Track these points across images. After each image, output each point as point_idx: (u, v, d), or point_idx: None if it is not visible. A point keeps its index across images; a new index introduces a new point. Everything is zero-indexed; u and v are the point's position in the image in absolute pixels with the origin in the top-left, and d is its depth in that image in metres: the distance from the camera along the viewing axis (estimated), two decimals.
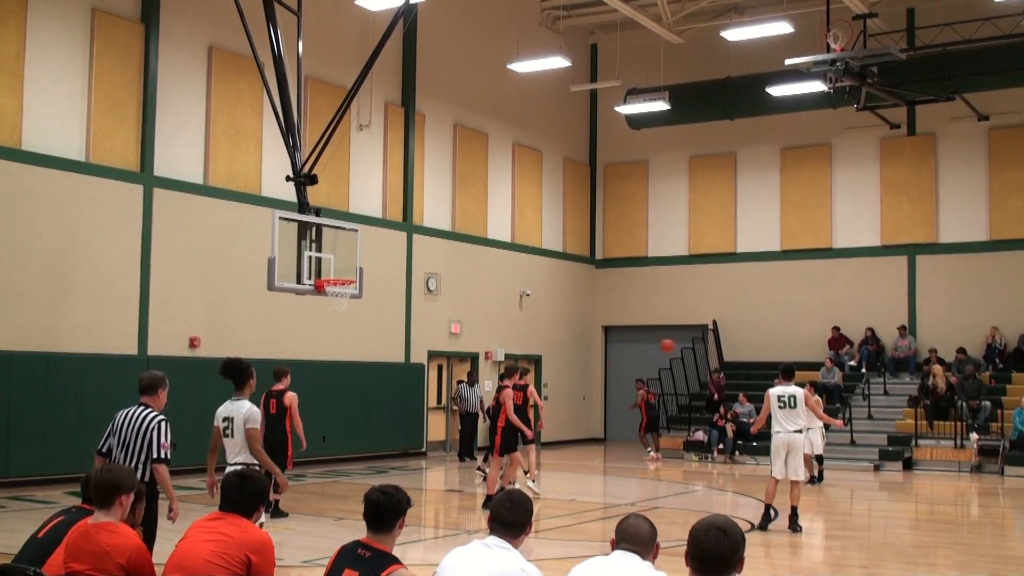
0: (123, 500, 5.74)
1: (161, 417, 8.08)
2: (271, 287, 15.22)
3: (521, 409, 15.88)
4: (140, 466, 7.89)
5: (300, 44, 16.94)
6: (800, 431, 13.90)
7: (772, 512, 13.83)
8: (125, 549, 5.46)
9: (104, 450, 8.26)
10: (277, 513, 13.93)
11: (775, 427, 13.82)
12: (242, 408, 9.55)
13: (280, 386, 14.18)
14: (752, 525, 14.04)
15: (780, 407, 13.74)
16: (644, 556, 4.60)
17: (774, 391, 13.82)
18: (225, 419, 9.63)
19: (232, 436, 9.57)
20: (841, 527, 15.59)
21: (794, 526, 13.63)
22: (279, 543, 5.85)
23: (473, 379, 23.75)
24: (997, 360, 25.26)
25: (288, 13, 16.72)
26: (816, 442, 19.72)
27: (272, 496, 13.73)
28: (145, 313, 18.87)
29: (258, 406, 9.92)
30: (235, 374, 9.62)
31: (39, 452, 17.07)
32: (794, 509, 13.72)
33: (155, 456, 7.91)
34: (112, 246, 18.43)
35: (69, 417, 17.34)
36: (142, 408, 8.13)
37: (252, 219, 19.99)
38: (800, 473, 13.88)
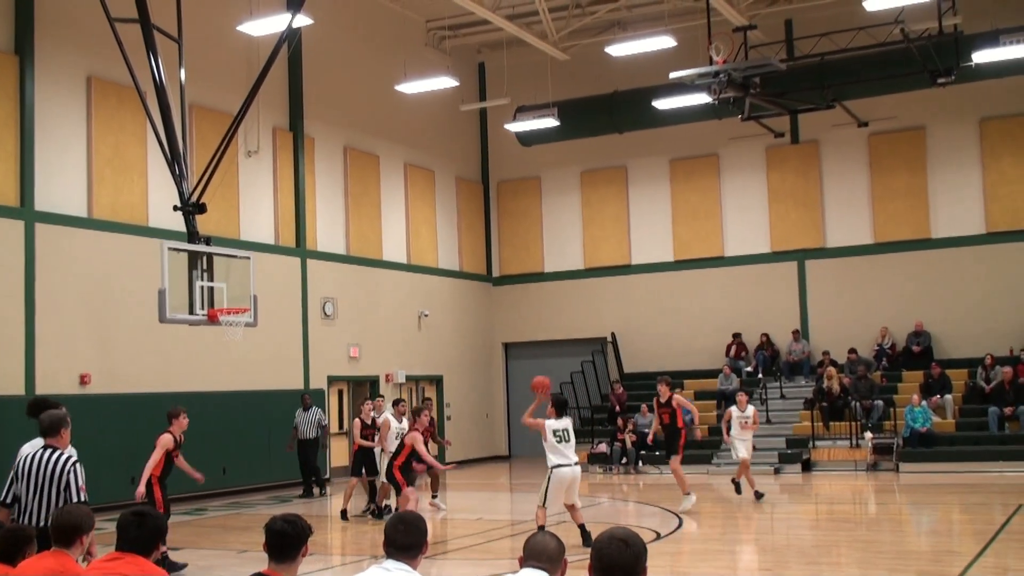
0: (83, 539, 5.85)
1: (75, 459, 7.80)
2: (163, 319, 14.91)
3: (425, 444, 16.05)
4: (51, 511, 7.55)
5: (182, 71, 16.67)
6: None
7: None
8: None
9: (8, 500, 7.89)
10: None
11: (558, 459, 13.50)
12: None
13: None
14: (657, 534, 14.13)
15: (557, 440, 13.49)
16: (552, 572, 4.57)
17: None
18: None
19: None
20: (745, 531, 15.79)
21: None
22: None
23: (308, 403, 21.55)
24: (886, 360, 25.90)
25: (169, 40, 16.44)
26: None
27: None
28: (31, 352, 18.30)
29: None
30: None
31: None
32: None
33: (75, 500, 7.61)
34: None
35: None
36: (50, 451, 7.82)
37: (140, 250, 19.55)
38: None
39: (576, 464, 13.50)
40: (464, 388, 29.85)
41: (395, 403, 17.61)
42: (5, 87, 18.36)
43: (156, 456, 12.57)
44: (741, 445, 18.34)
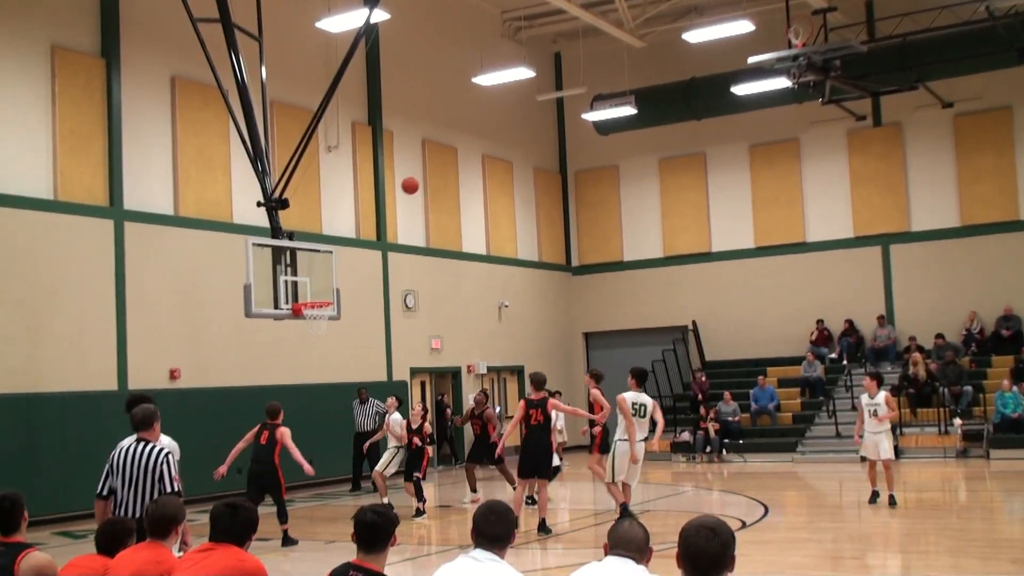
0: (177, 530, 6.03)
1: (167, 451, 8.00)
2: (248, 314, 15.14)
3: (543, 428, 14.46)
4: (148, 503, 7.77)
5: (263, 69, 16.90)
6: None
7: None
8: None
9: (104, 492, 8.08)
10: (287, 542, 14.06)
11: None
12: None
13: (274, 420, 14.36)
14: (743, 523, 14.05)
15: (633, 414, 13.64)
16: (638, 561, 4.58)
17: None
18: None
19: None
20: (830, 519, 15.62)
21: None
22: (272, 569, 5.80)
23: (365, 396, 21.51)
24: (975, 345, 25.41)
25: (250, 39, 16.67)
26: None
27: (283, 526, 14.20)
28: (123, 348, 18.76)
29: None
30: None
31: (23, 494, 16.88)
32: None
33: (168, 491, 7.80)
34: (86, 283, 18.31)
35: (52, 457, 17.22)
36: (142, 444, 8.03)
37: (225, 247, 19.90)
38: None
39: (642, 441, 13.45)
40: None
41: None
42: (93, 90, 18.80)
43: (292, 447, 13.97)
44: (872, 441, 15.32)
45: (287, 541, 14.08)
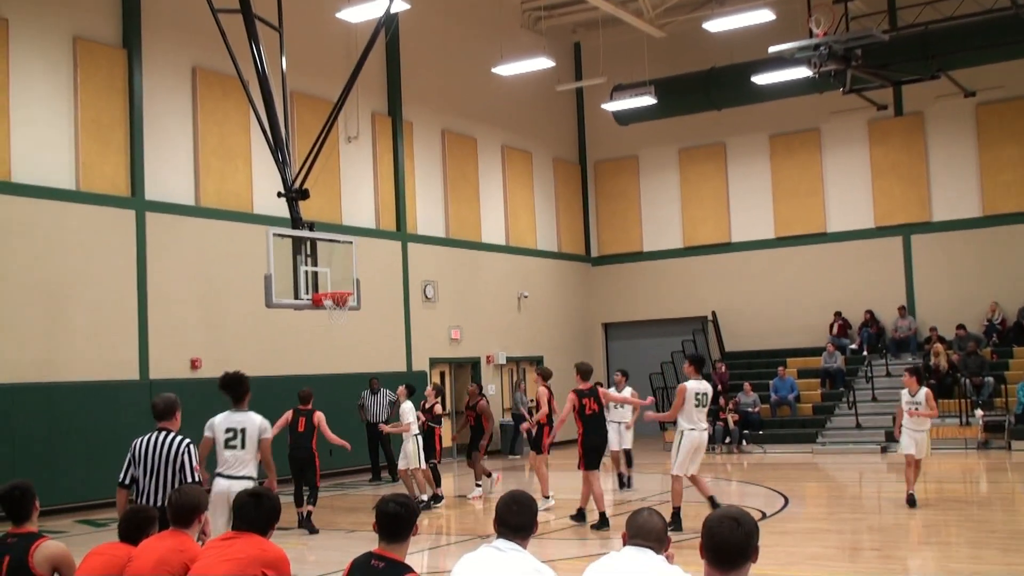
0: (199, 519, 6.07)
1: (188, 441, 8.08)
2: (269, 304, 15.19)
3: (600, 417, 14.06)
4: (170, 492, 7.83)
5: (283, 60, 16.91)
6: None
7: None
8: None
9: (127, 482, 8.16)
10: (308, 527, 14.33)
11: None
12: (254, 419, 9.63)
13: (307, 406, 14.86)
14: (763, 514, 14.04)
15: (695, 404, 13.07)
16: (657, 550, 4.60)
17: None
18: (231, 430, 9.59)
19: (243, 448, 9.55)
20: (850, 510, 15.59)
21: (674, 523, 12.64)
22: (293, 558, 5.83)
23: (376, 386, 21.17)
24: (996, 335, 25.29)
25: (270, 29, 16.71)
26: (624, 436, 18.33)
27: (305, 508, 14.51)
28: (145, 338, 18.86)
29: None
30: (235, 387, 9.68)
31: (45, 483, 17.00)
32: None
33: (189, 481, 7.86)
34: (108, 273, 18.42)
35: (73, 446, 17.34)
36: (164, 434, 8.09)
37: (246, 237, 19.98)
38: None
39: (705, 430, 13.16)
40: (564, 369, 29.74)
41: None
42: (114, 80, 18.89)
43: (328, 431, 14.69)
44: (910, 438, 14.56)
45: (306, 525, 14.27)
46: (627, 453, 18.22)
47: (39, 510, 6.39)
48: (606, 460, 14.86)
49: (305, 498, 14.66)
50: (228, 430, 9.59)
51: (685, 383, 13.18)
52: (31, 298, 17.26)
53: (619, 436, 17.79)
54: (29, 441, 16.84)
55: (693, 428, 13.02)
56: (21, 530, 6.10)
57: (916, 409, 14.43)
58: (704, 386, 13.18)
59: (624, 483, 17.77)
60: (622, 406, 17.74)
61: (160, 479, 7.95)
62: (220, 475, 9.56)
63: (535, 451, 16.19)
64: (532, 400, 16.61)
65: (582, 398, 13.66)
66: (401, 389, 17.20)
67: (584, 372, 13.99)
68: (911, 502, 14.34)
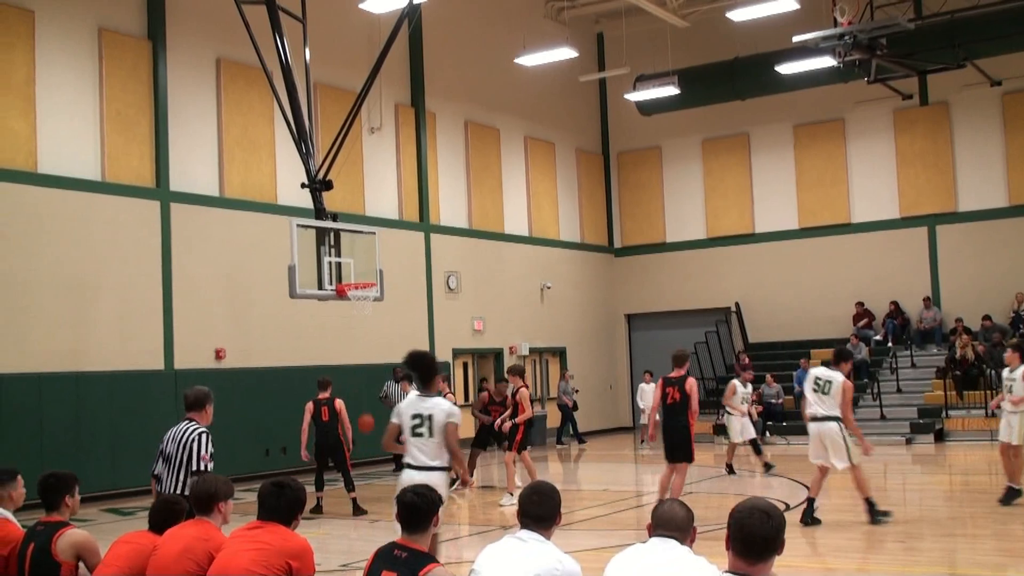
0: (221, 507, 6.02)
1: (202, 429, 8.15)
2: (293, 294, 15.28)
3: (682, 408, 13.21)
4: (182, 479, 7.92)
5: (307, 51, 16.98)
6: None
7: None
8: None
9: (156, 472, 8.33)
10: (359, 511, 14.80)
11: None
12: (442, 404, 8.65)
13: (326, 394, 15.10)
14: (787, 505, 14.00)
15: (814, 389, 12.42)
16: (682, 541, 4.60)
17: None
18: (417, 415, 8.57)
19: (430, 436, 8.52)
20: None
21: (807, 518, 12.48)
22: (317, 548, 5.82)
23: (400, 375, 20.55)
24: (1022, 326, 25.10)
25: (294, 21, 16.76)
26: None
27: (350, 495, 14.94)
28: (170, 327, 18.97)
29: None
30: (424, 367, 8.86)
31: (72, 470, 17.15)
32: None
33: (194, 468, 7.94)
34: (133, 263, 18.53)
35: (100, 435, 17.48)
36: (186, 423, 8.20)
37: (270, 228, 20.05)
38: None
39: (823, 419, 12.22)
40: (587, 359, 29.89)
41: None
42: (139, 72, 18.98)
43: (347, 420, 15.12)
44: (1005, 421, 13.55)
45: (357, 510, 14.74)
46: (753, 443, 19.15)
47: (79, 499, 6.46)
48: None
49: (340, 485, 15.15)
50: (415, 416, 8.56)
51: (812, 370, 12.71)
52: (58, 288, 17.39)
53: (740, 427, 18.86)
54: (57, 430, 16.99)
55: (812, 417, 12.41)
56: (51, 519, 6.19)
57: (1011, 388, 13.29)
58: (826, 373, 12.37)
59: (731, 471, 18.41)
60: (744, 400, 19.07)
61: (174, 467, 8.08)
62: (409, 466, 8.57)
63: (510, 450, 16.01)
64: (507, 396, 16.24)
65: (667, 386, 13.10)
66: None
67: (679, 359, 13.20)
68: (1013, 495, 13.24)
